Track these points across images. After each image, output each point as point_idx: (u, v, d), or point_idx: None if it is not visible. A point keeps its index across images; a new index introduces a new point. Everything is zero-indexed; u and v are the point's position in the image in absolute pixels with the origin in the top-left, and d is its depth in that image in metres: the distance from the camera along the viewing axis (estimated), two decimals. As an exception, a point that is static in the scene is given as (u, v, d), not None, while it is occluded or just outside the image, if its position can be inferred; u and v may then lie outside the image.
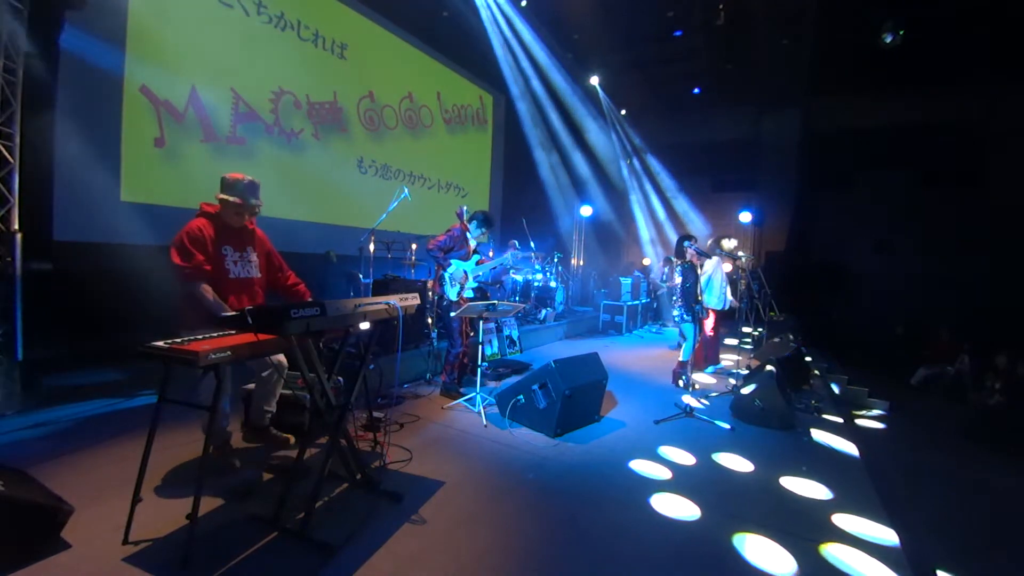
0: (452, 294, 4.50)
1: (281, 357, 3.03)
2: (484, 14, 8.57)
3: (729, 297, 6.09)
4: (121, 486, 2.38)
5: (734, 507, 2.83)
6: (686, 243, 5.21)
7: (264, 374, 3.03)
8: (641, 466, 3.32)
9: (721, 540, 2.48)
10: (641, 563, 2.26)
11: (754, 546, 2.44)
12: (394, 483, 2.78)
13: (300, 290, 3.16)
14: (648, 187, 13.59)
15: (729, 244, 6.00)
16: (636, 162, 13.48)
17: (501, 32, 9.05)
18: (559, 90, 10.70)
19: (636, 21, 8.87)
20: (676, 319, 5.50)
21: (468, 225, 4.62)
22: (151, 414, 2.19)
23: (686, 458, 3.52)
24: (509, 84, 9.96)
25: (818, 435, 4.16)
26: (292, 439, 3.24)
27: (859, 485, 3.24)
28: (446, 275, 4.49)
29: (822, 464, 3.54)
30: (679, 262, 5.32)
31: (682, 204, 13.31)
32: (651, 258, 12.67)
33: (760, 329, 7.39)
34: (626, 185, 13.54)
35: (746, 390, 4.45)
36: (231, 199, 2.77)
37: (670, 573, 2.23)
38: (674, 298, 5.44)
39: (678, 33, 9.34)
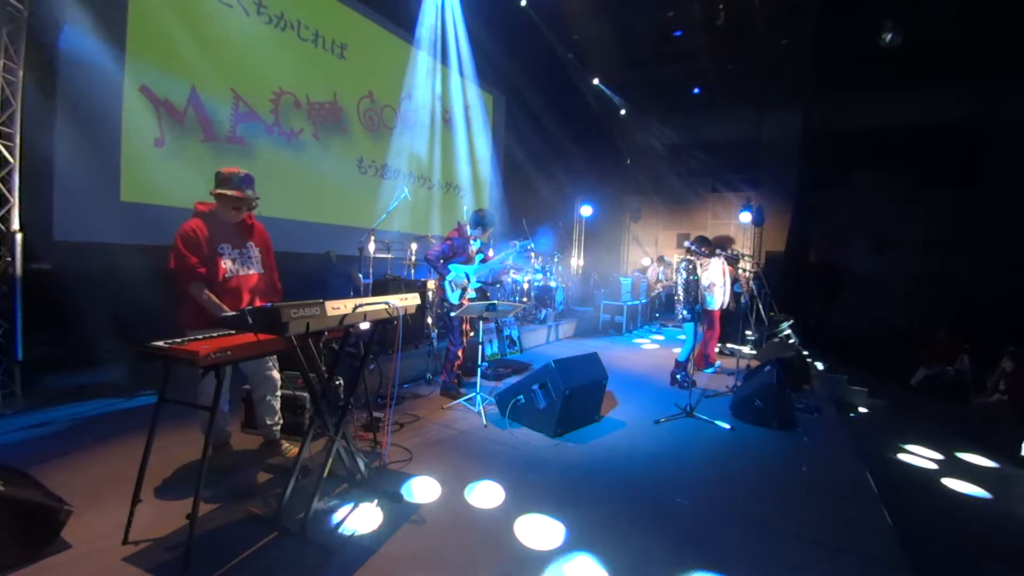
0: (454, 298, 4.50)
1: (274, 372, 3.00)
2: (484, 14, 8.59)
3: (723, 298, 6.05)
4: (121, 486, 2.38)
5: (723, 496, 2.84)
6: (686, 242, 5.20)
7: (258, 389, 2.99)
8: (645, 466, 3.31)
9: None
10: (642, 560, 2.26)
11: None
12: (394, 483, 2.78)
13: (276, 292, 3.09)
14: (646, 187, 13.60)
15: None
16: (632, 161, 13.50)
17: (500, 32, 9.04)
18: (559, 90, 10.69)
19: (636, 21, 8.87)
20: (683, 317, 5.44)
21: (470, 232, 4.60)
22: (151, 414, 2.19)
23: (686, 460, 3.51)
24: (509, 84, 9.96)
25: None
26: (295, 452, 3.16)
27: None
28: (447, 283, 4.49)
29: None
30: (682, 260, 5.30)
31: (682, 204, 13.31)
32: (650, 258, 12.69)
33: (766, 325, 7.37)
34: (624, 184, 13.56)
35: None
36: (229, 193, 2.74)
37: (674, 570, 2.23)
38: (676, 297, 5.40)
39: (678, 33, 9.34)
